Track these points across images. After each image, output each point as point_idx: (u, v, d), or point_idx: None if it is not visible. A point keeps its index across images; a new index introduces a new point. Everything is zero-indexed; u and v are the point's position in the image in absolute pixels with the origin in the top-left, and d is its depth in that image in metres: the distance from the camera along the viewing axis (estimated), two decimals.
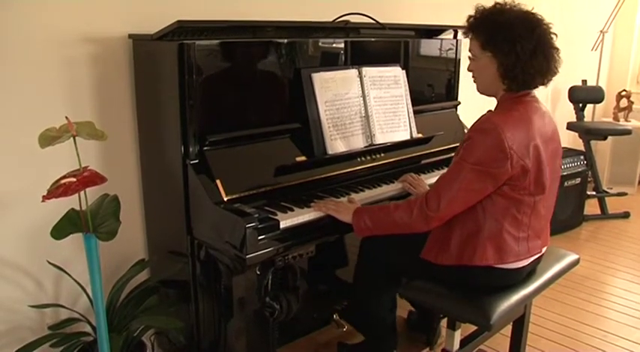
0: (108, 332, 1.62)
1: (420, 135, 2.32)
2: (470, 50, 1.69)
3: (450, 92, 2.67)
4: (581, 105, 4.25)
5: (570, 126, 4.15)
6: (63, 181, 1.39)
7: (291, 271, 2.00)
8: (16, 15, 1.67)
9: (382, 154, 2.19)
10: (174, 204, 1.83)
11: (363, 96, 2.13)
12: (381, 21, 2.28)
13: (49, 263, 1.80)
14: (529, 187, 1.62)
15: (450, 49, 2.60)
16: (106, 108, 1.92)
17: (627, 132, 4.02)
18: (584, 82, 4.28)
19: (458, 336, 1.90)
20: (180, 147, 1.74)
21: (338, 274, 2.47)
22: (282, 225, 1.69)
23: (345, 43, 2.16)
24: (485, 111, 1.70)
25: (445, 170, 1.72)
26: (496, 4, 1.65)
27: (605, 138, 4.16)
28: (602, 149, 4.61)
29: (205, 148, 1.75)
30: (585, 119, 4.33)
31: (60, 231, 1.47)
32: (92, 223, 1.48)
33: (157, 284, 1.98)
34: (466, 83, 1.78)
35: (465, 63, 1.77)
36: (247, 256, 1.59)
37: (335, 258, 2.45)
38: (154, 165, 1.97)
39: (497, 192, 1.61)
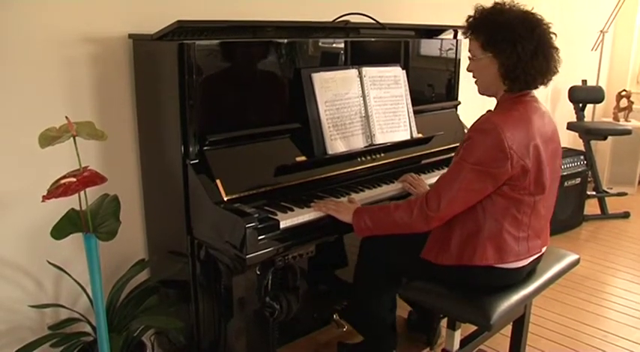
0: (108, 332, 1.62)
1: (420, 135, 2.32)
2: (470, 50, 1.69)
3: (450, 92, 2.67)
4: (581, 105, 4.25)
5: (570, 126, 4.15)
6: (63, 181, 1.39)
7: (291, 271, 2.00)
8: (16, 15, 1.67)
9: (382, 154, 2.19)
10: (174, 204, 1.83)
11: (363, 96, 2.13)
12: (381, 21, 2.28)
13: (49, 263, 1.80)
14: (529, 187, 1.62)
15: (450, 49, 2.60)
16: (106, 108, 1.92)
17: (627, 132, 4.02)
18: (584, 82, 4.28)
19: (458, 336, 1.90)
20: (180, 147, 1.74)
21: (338, 274, 2.47)
22: (282, 225, 1.69)
23: (345, 43, 2.16)
24: (485, 111, 1.70)
25: (445, 170, 1.72)
26: (496, 4, 1.65)
27: (605, 138, 4.16)
28: (602, 149, 4.61)
29: (205, 148, 1.75)
30: (585, 119, 4.33)
31: (60, 231, 1.47)
32: (92, 223, 1.48)
33: (157, 284, 1.98)
34: (466, 83, 1.78)
35: (465, 63, 1.77)
36: (247, 256, 1.59)
37: (335, 258, 2.45)
38: (153, 165, 1.97)
39: (497, 192, 1.61)
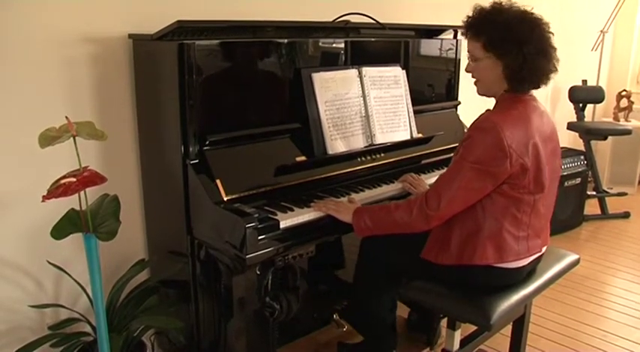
0: (108, 332, 1.62)
1: (420, 135, 2.32)
2: (469, 51, 1.68)
3: (450, 92, 2.67)
4: (581, 105, 4.25)
5: (570, 126, 4.15)
6: (63, 181, 1.39)
7: (291, 271, 2.00)
8: (16, 15, 1.67)
9: (382, 154, 2.19)
10: (174, 204, 1.83)
11: (363, 96, 2.13)
12: (381, 21, 2.28)
13: (49, 263, 1.80)
14: (528, 186, 1.62)
15: (450, 49, 2.60)
16: (106, 108, 1.92)
17: (627, 132, 4.02)
18: (585, 82, 4.28)
19: (458, 336, 1.90)
20: (180, 147, 1.74)
21: (338, 274, 2.47)
22: (282, 224, 1.69)
23: (345, 42, 2.16)
24: (484, 111, 1.70)
25: (445, 170, 1.72)
26: (495, 3, 1.64)
27: (605, 138, 4.16)
28: (603, 149, 4.61)
29: (205, 148, 1.75)
30: (585, 119, 4.33)
31: (60, 231, 1.47)
32: (92, 223, 1.48)
33: (157, 284, 1.98)
34: (466, 83, 1.78)
35: (465, 63, 1.77)
36: (247, 256, 1.59)
37: (335, 257, 2.45)
38: (153, 165, 1.97)
39: (497, 191, 1.61)
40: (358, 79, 2.12)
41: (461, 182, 1.59)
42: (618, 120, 4.50)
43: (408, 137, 2.27)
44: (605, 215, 4.04)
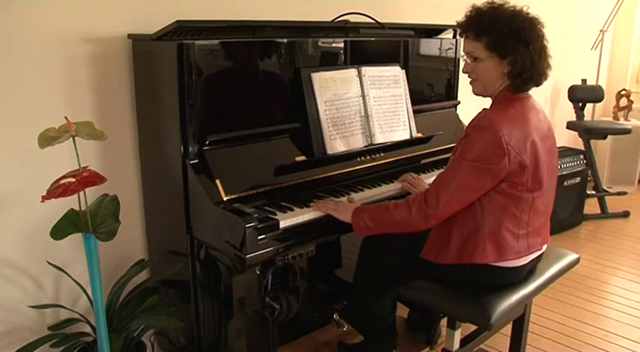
0: (108, 333, 1.62)
1: (419, 135, 2.32)
2: (468, 51, 1.67)
3: (450, 91, 2.67)
4: (580, 104, 4.25)
5: (570, 126, 4.15)
6: (62, 181, 1.39)
7: (291, 271, 2.00)
8: (15, 15, 1.67)
9: (382, 154, 2.19)
10: (173, 204, 1.82)
11: (363, 95, 2.13)
12: (380, 20, 2.28)
13: (49, 263, 1.80)
14: (527, 184, 1.62)
15: (450, 48, 2.60)
16: (106, 108, 1.92)
17: (627, 131, 4.02)
18: (584, 81, 4.28)
19: (458, 336, 1.90)
20: (179, 147, 1.74)
21: (338, 274, 2.47)
22: (282, 224, 1.69)
23: (345, 42, 2.16)
24: (481, 110, 1.70)
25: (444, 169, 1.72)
26: (491, 3, 1.64)
27: (604, 138, 4.16)
28: (602, 148, 4.61)
29: (205, 148, 1.75)
30: (585, 118, 4.32)
31: (59, 231, 1.47)
32: (92, 223, 1.48)
33: (156, 284, 1.98)
34: (466, 83, 1.78)
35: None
36: (247, 256, 1.59)
37: (335, 257, 2.45)
38: (153, 165, 1.97)
39: (496, 189, 1.61)
40: (358, 79, 2.12)
41: (460, 180, 1.59)
42: (618, 120, 4.50)
43: (407, 137, 2.27)
44: (604, 214, 4.04)
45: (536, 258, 1.82)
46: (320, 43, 2.09)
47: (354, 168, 2.09)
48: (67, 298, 1.93)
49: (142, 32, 1.86)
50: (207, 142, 1.75)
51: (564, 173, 3.60)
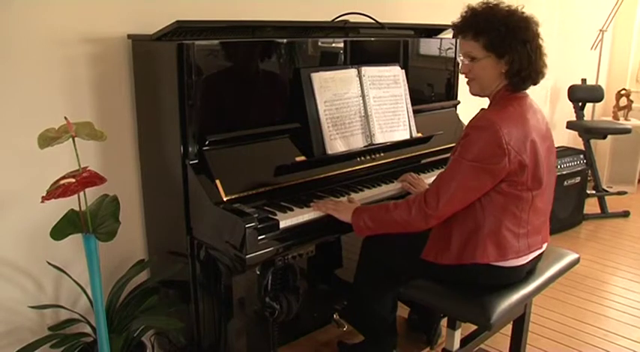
0: (108, 333, 1.62)
1: (419, 135, 2.32)
2: (466, 52, 1.67)
3: (450, 91, 2.67)
4: (580, 104, 4.24)
5: (570, 125, 4.14)
6: (62, 182, 1.39)
7: (291, 271, 2.00)
8: (15, 15, 1.67)
9: (382, 154, 2.19)
10: (173, 204, 1.82)
11: (363, 95, 2.13)
12: (380, 20, 2.28)
13: (49, 264, 1.80)
14: (527, 183, 1.62)
15: (450, 48, 2.60)
16: (106, 108, 1.92)
17: (627, 131, 4.02)
18: (584, 80, 4.28)
19: (458, 336, 1.90)
20: (179, 147, 1.74)
21: (338, 274, 2.47)
22: (282, 224, 1.69)
23: (345, 42, 2.16)
24: (479, 110, 1.70)
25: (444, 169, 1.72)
26: (486, 3, 1.65)
27: (604, 137, 4.15)
28: (602, 148, 4.61)
29: (205, 148, 1.75)
30: (585, 118, 4.32)
31: (59, 231, 1.47)
32: (92, 224, 1.48)
33: (156, 284, 1.98)
34: (466, 82, 1.78)
35: None
36: (247, 256, 1.59)
37: (335, 257, 2.45)
38: (153, 166, 1.97)
39: (496, 189, 1.61)
40: (357, 79, 2.12)
41: (460, 181, 1.59)
42: (618, 119, 4.50)
43: (407, 136, 2.27)
44: (604, 214, 4.04)
45: (537, 257, 1.82)
46: (320, 43, 2.09)
47: (354, 168, 2.09)
48: (67, 298, 1.93)
49: (142, 32, 1.86)
50: (207, 142, 1.75)
51: (564, 173, 3.60)
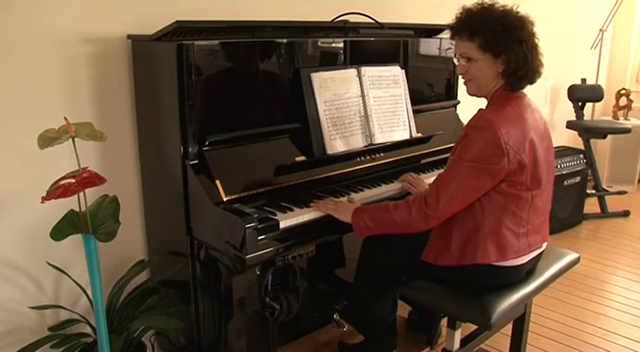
0: (108, 333, 1.62)
1: (419, 135, 2.32)
2: (462, 52, 1.67)
3: (450, 91, 2.67)
4: (580, 103, 4.24)
5: (570, 125, 4.14)
6: (62, 182, 1.39)
7: (291, 271, 2.00)
8: (15, 15, 1.67)
9: (382, 154, 2.19)
10: (173, 204, 1.82)
11: (363, 95, 2.13)
12: (380, 20, 2.27)
13: (49, 264, 1.80)
14: (526, 182, 1.62)
15: (449, 48, 2.60)
16: (106, 108, 1.92)
17: (627, 130, 4.02)
18: (584, 80, 4.28)
19: (458, 335, 1.90)
20: (179, 147, 1.74)
21: (338, 274, 2.47)
22: (282, 225, 1.69)
23: (345, 42, 2.16)
24: (477, 110, 1.70)
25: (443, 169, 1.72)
26: (481, 3, 1.65)
27: (604, 137, 4.16)
28: (602, 147, 4.61)
29: (205, 148, 1.75)
30: (585, 118, 4.32)
31: (59, 232, 1.47)
32: (92, 224, 1.48)
33: (156, 284, 1.98)
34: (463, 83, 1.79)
35: None
36: (247, 256, 1.59)
37: (335, 257, 2.45)
38: (153, 166, 1.97)
39: (495, 189, 1.61)
40: (357, 79, 2.12)
41: (459, 181, 1.59)
42: (617, 119, 4.50)
43: (407, 136, 2.27)
44: (604, 213, 4.04)
45: (537, 256, 1.82)
46: (319, 43, 2.09)
47: (353, 168, 2.09)
48: (67, 299, 1.93)
49: (142, 32, 1.86)
50: (207, 143, 1.75)
51: (564, 172, 3.60)
